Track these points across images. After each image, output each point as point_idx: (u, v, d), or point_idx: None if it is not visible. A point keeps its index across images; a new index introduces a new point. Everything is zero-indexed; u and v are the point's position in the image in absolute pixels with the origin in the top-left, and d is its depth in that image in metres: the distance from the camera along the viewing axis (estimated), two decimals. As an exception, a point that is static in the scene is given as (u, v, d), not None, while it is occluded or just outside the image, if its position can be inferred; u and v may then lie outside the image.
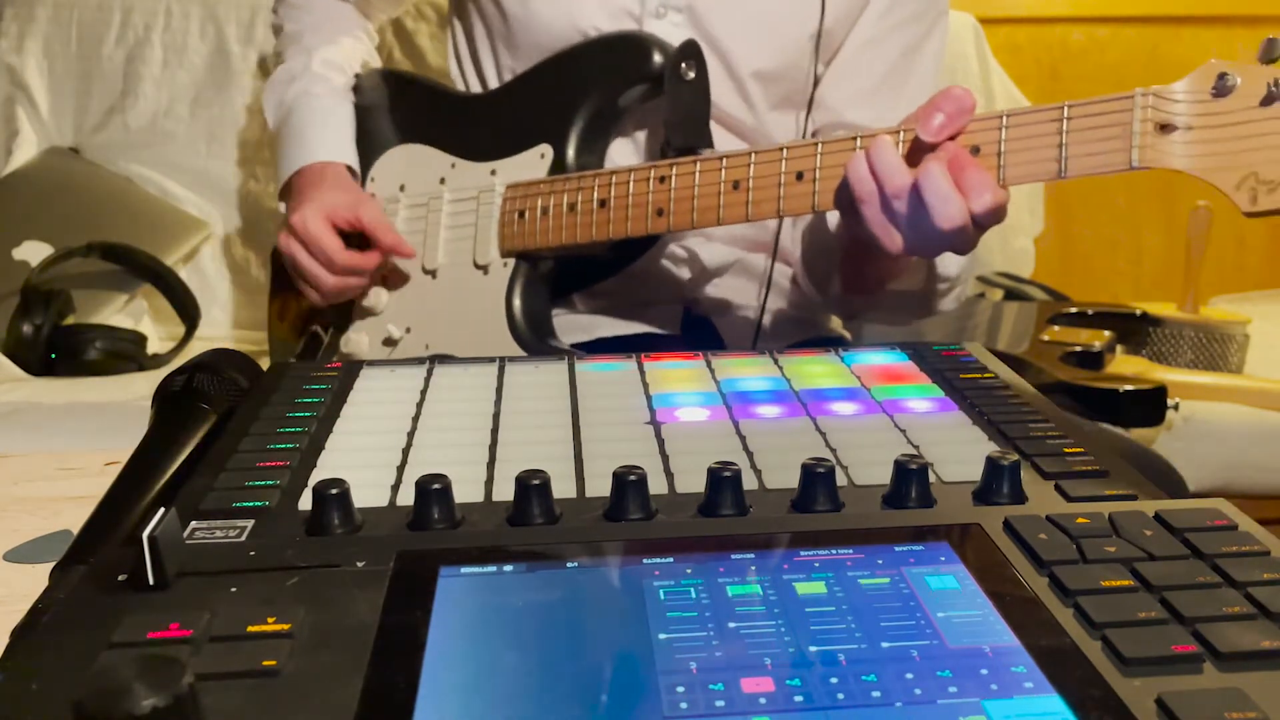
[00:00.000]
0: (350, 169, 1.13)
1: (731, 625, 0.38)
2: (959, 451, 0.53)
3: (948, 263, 0.94)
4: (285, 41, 1.23)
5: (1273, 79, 0.67)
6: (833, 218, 0.98)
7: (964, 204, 0.73)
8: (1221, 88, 0.68)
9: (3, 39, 1.76)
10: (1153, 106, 0.71)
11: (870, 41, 1.04)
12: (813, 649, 0.37)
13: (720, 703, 0.34)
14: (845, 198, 0.80)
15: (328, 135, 1.13)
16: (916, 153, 0.77)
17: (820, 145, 0.82)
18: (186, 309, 1.63)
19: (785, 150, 0.83)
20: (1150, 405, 1.40)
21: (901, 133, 0.78)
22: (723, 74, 1.03)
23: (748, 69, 1.03)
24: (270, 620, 0.37)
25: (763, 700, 0.34)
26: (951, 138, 0.76)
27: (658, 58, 0.98)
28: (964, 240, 0.76)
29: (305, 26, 1.21)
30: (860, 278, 0.97)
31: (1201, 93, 0.70)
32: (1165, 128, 0.70)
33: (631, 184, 0.91)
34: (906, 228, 0.77)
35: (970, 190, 0.73)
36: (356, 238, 1.07)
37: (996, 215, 0.75)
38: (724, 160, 0.87)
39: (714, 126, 1.04)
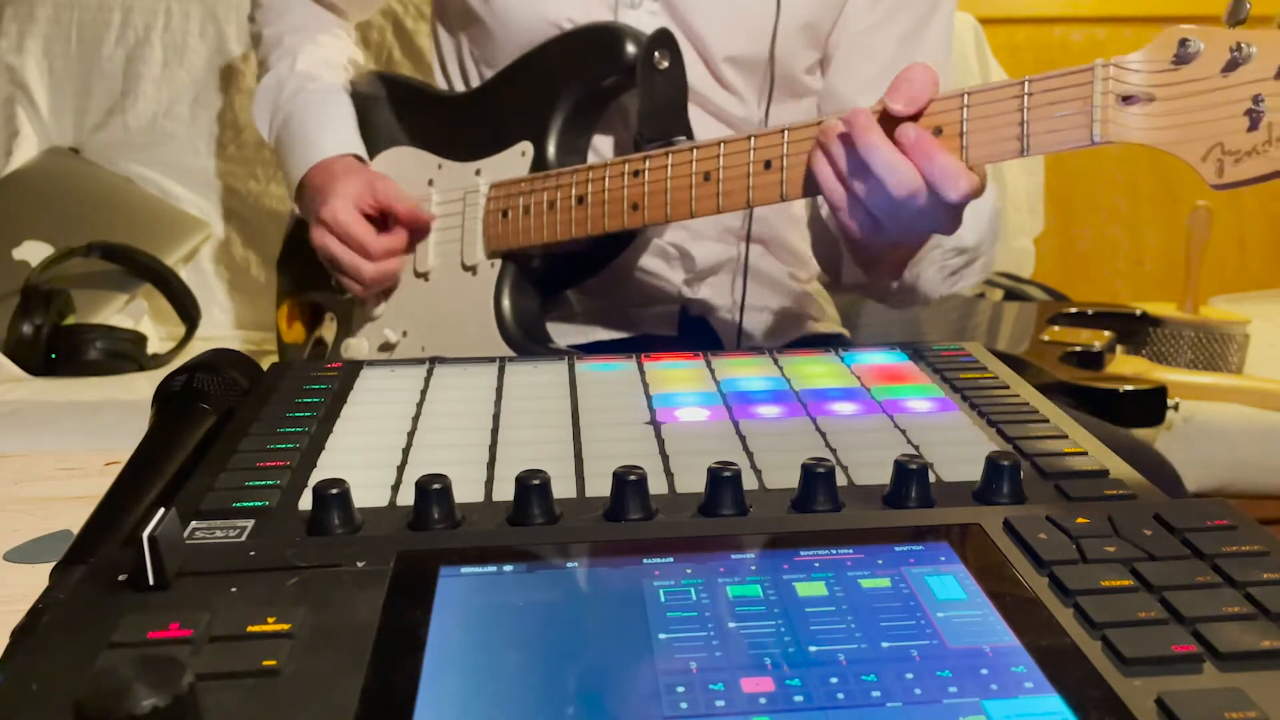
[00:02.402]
0: (359, 158, 1.12)
1: (731, 625, 0.38)
2: (959, 451, 0.53)
3: (962, 234, 0.93)
4: (267, 47, 1.22)
5: (1235, 43, 0.64)
6: (826, 213, 0.98)
7: (913, 169, 0.72)
8: (1183, 55, 0.65)
9: (3, 39, 1.76)
10: (1114, 78, 0.68)
11: (868, 29, 1.04)
12: (813, 649, 0.37)
13: (720, 703, 0.34)
14: (813, 189, 0.80)
15: (329, 131, 1.12)
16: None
17: (786, 133, 0.81)
18: (186, 309, 1.63)
19: (753, 139, 0.83)
20: (1150, 405, 1.40)
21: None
22: (702, 66, 1.03)
23: (721, 56, 1.03)
24: (270, 620, 0.37)
25: (763, 700, 0.34)
26: (915, 117, 0.75)
27: (630, 48, 0.97)
28: (930, 215, 0.75)
29: (284, 29, 1.21)
30: (872, 262, 0.96)
31: (1162, 61, 0.67)
32: (1127, 99, 0.68)
33: (607, 179, 0.91)
34: (877, 213, 0.76)
35: (938, 180, 0.73)
36: (381, 220, 1.07)
37: (937, 174, 0.73)
38: (695, 152, 0.86)
39: (710, 120, 1.04)
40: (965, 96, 0.73)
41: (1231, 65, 0.64)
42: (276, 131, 1.17)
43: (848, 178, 0.76)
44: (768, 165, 0.82)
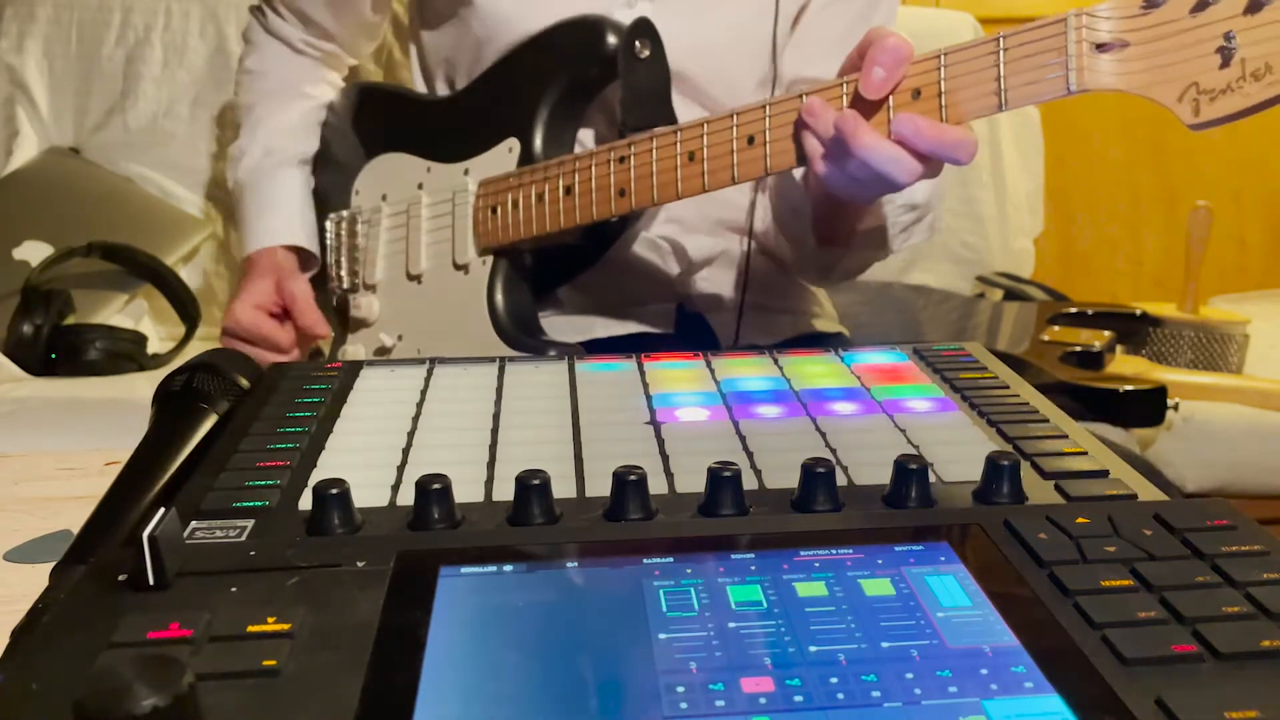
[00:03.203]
0: (291, 245, 1.16)
1: (731, 625, 0.38)
2: (959, 451, 0.53)
3: (914, 191, 0.95)
4: (240, 115, 1.25)
5: None
6: (800, 173, 0.99)
7: (913, 160, 0.74)
8: None
9: (3, 39, 1.76)
10: (1087, 26, 0.69)
11: (826, 4, 1.05)
12: (813, 649, 0.37)
13: (720, 703, 0.34)
14: (800, 159, 0.81)
15: (264, 219, 1.17)
16: (860, 110, 0.77)
17: (768, 108, 0.82)
18: (186, 309, 1.63)
19: (735, 116, 0.84)
20: (1150, 405, 1.40)
21: (844, 85, 0.78)
22: (701, 63, 1.02)
23: (722, 49, 1.03)
24: (270, 620, 0.37)
25: (763, 700, 0.34)
26: (894, 90, 0.76)
27: (611, 38, 0.97)
28: (919, 176, 0.76)
29: (258, 96, 1.23)
30: (833, 228, 0.97)
31: (1133, 6, 0.67)
32: (1102, 47, 0.68)
33: (594, 168, 0.92)
34: (867, 182, 0.78)
35: (946, 151, 0.74)
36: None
37: (946, 150, 0.75)
38: (679, 134, 0.87)
39: (697, 110, 1.04)
40: (942, 57, 0.74)
41: (1201, 5, 0.65)
42: (234, 203, 1.23)
43: (840, 163, 0.77)
44: (751, 141, 0.83)
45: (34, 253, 1.58)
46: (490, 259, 1.01)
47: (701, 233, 1.08)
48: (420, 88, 1.17)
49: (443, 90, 1.14)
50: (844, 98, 0.78)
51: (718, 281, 1.10)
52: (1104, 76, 0.69)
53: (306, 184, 1.19)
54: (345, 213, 1.15)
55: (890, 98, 0.76)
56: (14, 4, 1.77)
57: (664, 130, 0.88)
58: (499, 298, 1.00)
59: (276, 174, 1.18)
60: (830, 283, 1.14)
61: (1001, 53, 0.72)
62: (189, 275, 1.70)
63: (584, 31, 0.99)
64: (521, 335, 0.98)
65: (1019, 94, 0.72)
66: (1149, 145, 2.34)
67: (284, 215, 1.17)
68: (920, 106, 0.75)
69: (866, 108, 0.77)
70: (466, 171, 1.04)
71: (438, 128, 1.10)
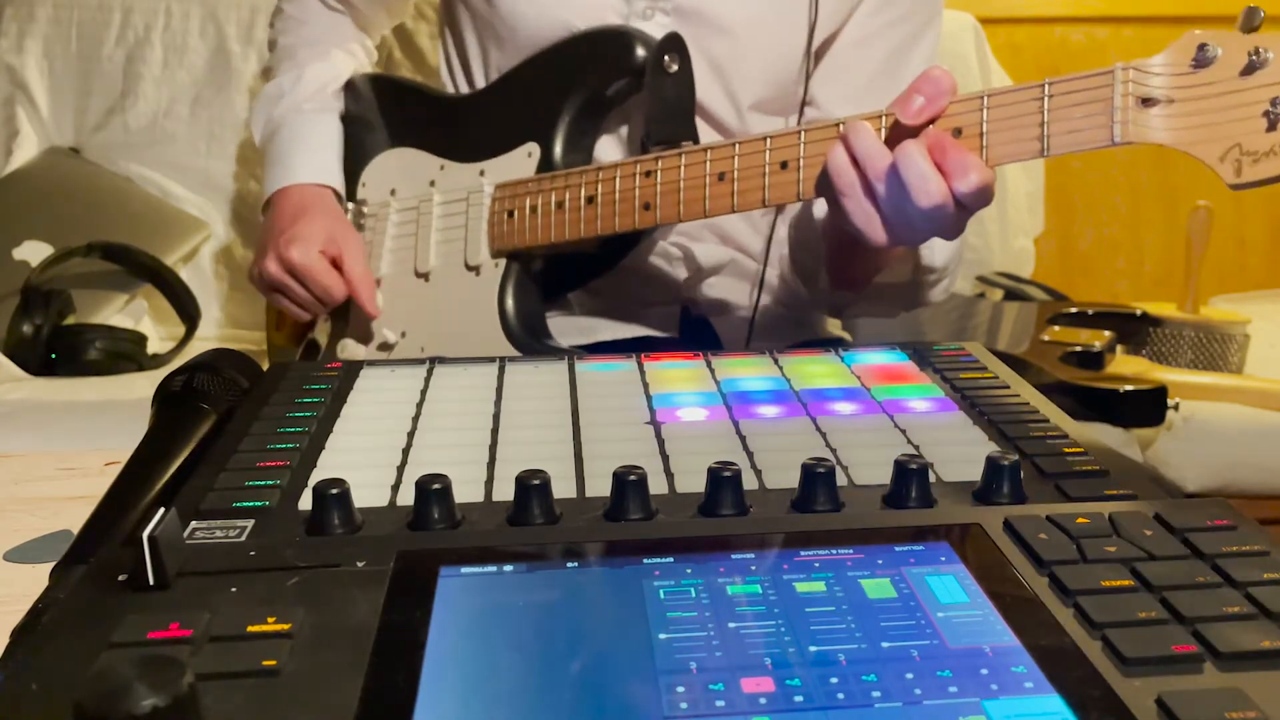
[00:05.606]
0: (335, 189, 1.14)
1: (731, 625, 0.38)
2: (959, 451, 0.53)
3: (934, 254, 0.94)
4: (279, 56, 1.23)
5: (1253, 47, 0.66)
6: (819, 211, 0.98)
7: (943, 182, 0.73)
8: (1202, 59, 0.68)
9: (3, 39, 1.76)
10: (1134, 80, 0.70)
11: (859, 40, 1.04)
12: (813, 649, 0.37)
13: (720, 703, 0.34)
14: (827, 189, 0.79)
15: (310, 156, 1.14)
16: (898, 139, 0.76)
17: (803, 134, 0.82)
18: (186, 309, 1.63)
19: (769, 140, 0.83)
20: (1150, 405, 1.40)
21: (883, 118, 0.78)
22: (710, 76, 1.03)
23: (739, 75, 1.03)
24: (270, 620, 0.37)
25: (763, 700, 0.34)
26: (932, 120, 0.75)
27: (640, 51, 0.97)
28: (948, 222, 0.75)
29: (299, 41, 1.22)
30: (847, 273, 0.97)
31: (1182, 64, 0.69)
32: (1147, 102, 0.69)
33: (619, 180, 0.92)
34: (888, 213, 0.76)
35: (953, 170, 0.73)
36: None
37: (982, 196, 0.74)
38: (709, 152, 0.87)
39: (705, 129, 1.04)
40: (985, 98, 0.74)
41: (1250, 69, 0.66)
42: (265, 141, 1.18)
43: (871, 180, 0.76)
44: (784, 165, 0.82)
45: (34, 253, 1.58)
46: (503, 262, 1.01)
47: (711, 241, 1.08)
48: (449, 87, 1.17)
49: (464, 87, 1.14)
50: (883, 131, 0.78)
51: (725, 288, 1.10)
52: (1149, 131, 0.70)
53: (341, 135, 1.17)
54: (350, 204, 1.15)
55: (930, 131, 0.76)
56: (14, 4, 1.77)
57: (694, 148, 0.88)
58: (510, 301, 1.00)
59: (319, 119, 1.16)
60: (843, 319, 1.13)
61: (1046, 99, 0.72)
62: (189, 275, 1.70)
63: (613, 42, 0.99)
64: (530, 339, 0.98)
65: (1061, 141, 0.72)
66: (1149, 145, 2.34)
67: (330, 155, 1.14)
68: (961, 144, 0.75)
69: (903, 139, 0.76)
70: (482, 172, 1.04)
71: (454, 126, 1.10)
